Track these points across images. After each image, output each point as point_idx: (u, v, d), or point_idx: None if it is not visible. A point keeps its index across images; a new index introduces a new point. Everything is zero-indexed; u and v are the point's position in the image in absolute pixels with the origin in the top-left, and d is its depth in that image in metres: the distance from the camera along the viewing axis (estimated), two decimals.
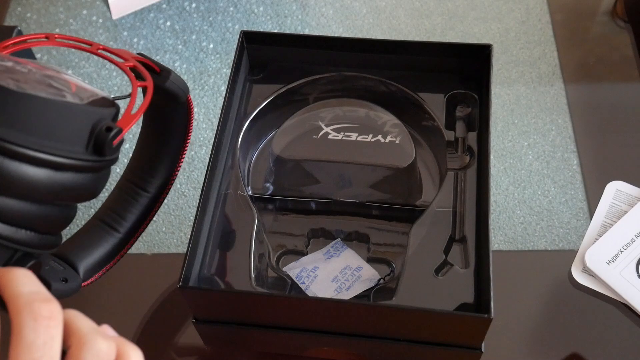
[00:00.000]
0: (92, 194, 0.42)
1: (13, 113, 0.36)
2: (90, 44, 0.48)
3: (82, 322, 0.36)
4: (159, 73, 0.51)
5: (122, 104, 0.43)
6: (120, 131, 0.40)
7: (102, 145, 0.39)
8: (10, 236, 0.38)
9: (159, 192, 0.59)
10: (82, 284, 0.54)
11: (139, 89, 0.46)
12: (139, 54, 0.51)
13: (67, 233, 0.55)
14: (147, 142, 0.59)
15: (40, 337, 0.33)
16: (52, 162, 0.37)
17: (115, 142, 0.40)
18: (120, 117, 0.42)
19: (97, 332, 0.35)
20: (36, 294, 0.34)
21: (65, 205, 0.41)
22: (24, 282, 0.34)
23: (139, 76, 0.47)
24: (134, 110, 0.43)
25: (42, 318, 0.33)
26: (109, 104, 0.41)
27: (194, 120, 0.59)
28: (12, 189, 0.37)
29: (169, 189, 0.60)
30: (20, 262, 0.40)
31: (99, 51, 0.48)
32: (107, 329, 0.38)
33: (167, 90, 0.52)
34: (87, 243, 0.55)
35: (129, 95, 0.44)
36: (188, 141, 0.59)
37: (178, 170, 0.60)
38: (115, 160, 0.42)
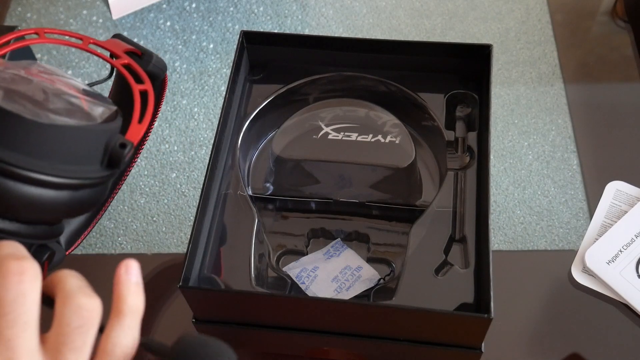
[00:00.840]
0: (97, 204, 0.43)
1: (35, 142, 0.38)
2: (81, 39, 0.49)
3: (68, 279, 0.36)
4: (141, 56, 0.51)
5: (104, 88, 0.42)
6: (132, 145, 0.41)
7: (118, 161, 0.41)
8: (30, 234, 0.41)
9: (130, 158, 0.58)
10: (66, 253, 0.53)
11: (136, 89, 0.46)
12: (116, 35, 0.51)
13: None
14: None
15: (10, 293, 0.34)
16: (72, 185, 0.39)
17: (129, 155, 0.41)
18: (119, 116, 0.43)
19: (80, 289, 0.36)
20: (10, 254, 0.35)
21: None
22: (2, 248, 0.35)
23: (133, 74, 0.47)
24: (135, 107, 0.44)
25: (12, 274, 0.34)
26: (115, 114, 0.42)
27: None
28: (35, 210, 0.39)
29: (138, 155, 0.58)
30: (38, 254, 0.42)
31: (89, 46, 0.48)
32: (131, 267, 0.39)
33: (148, 73, 0.52)
34: None
35: (108, 77, 0.45)
36: (157, 115, 0.57)
37: (146, 140, 0.58)
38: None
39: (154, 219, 0.72)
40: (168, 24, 0.87)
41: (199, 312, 0.57)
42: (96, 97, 0.43)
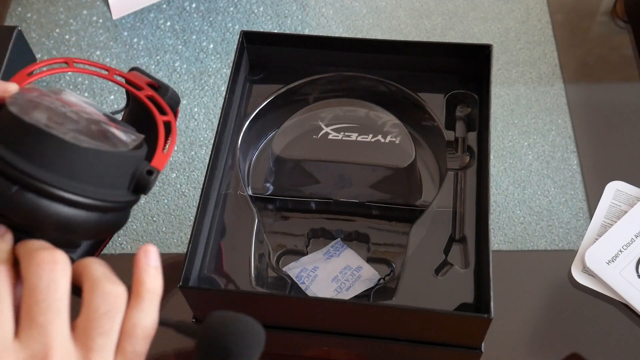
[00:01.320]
0: (120, 227, 0.45)
1: (71, 164, 0.40)
2: (107, 70, 0.51)
3: (94, 267, 0.38)
4: (158, 89, 0.53)
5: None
6: (158, 172, 0.43)
7: (144, 187, 0.43)
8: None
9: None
10: None
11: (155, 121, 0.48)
12: (134, 68, 0.52)
13: None
14: None
15: (43, 281, 0.36)
16: (102, 207, 0.41)
17: (154, 182, 0.43)
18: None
19: (106, 276, 0.38)
20: (41, 246, 0.37)
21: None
22: (34, 242, 0.38)
23: (156, 105, 0.50)
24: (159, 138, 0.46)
25: (45, 263, 0.36)
26: (141, 142, 0.44)
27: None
28: (63, 229, 0.41)
29: None
30: None
31: (115, 77, 0.51)
32: (150, 252, 0.40)
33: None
34: None
35: (126, 107, 0.46)
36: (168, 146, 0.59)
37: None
38: None
39: (154, 219, 0.72)
40: (168, 24, 0.87)
41: (199, 312, 0.57)
42: (122, 124, 0.45)
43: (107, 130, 0.43)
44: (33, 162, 0.39)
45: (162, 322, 0.42)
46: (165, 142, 0.47)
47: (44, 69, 0.47)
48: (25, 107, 0.41)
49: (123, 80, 0.51)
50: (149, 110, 0.49)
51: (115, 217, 0.43)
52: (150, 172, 0.43)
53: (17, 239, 0.40)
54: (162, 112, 0.49)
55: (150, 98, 0.50)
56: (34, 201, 0.39)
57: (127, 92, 0.52)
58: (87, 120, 0.43)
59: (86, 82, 0.83)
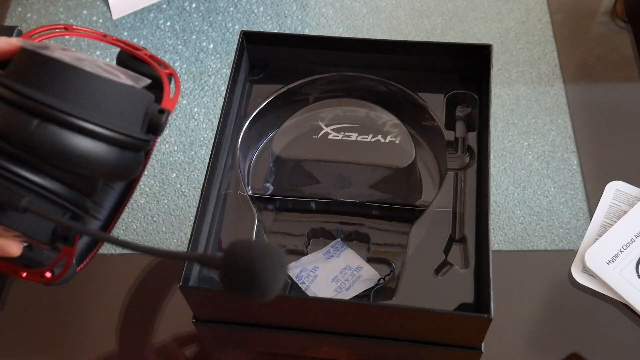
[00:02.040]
0: (135, 172, 0.44)
1: (91, 95, 0.39)
2: (104, 35, 0.52)
3: None
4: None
5: None
6: (168, 113, 0.44)
7: (157, 126, 0.43)
8: (66, 196, 0.41)
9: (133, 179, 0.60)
10: (77, 270, 0.54)
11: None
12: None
13: None
14: None
15: None
16: (120, 141, 0.41)
17: (165, 123, 0.43)
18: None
19: None
20: None
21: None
22: None
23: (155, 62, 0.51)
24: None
25: None
26: (148, 84, 0.44)
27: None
28: (83, 163, 0.40)
29: (147, 161, 0.60)
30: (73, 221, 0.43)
31: (114, 40, 0.52)
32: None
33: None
34: None
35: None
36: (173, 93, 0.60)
37: (150, 156, 0.60)
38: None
39: (154, 219, 0.72)
40: (168, 24, 0.87)
41: (199, 312, 0.57)
42: (127, 71, 0.45)
43: (117, 73, 0.43)
44: (52, 94, 0.38)
45: (190, 257, 0.44)
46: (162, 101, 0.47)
47: (44, 33, 0.48)
48: (39, 47, 0.40)
49: (121, 44, 0.52)
50: (148, 67, 0.49)
51: (131, 156, 0.42)
52: (161, 112, 0.43)
53: (33, 183, 0.39)
54: (163, 67, 0.50)
55: (150, 57, 0.51)
56: (56, 133, 0.38)
57: (121, 56, 0.52)
58: (96, 63, 0.43)
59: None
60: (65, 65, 0.39)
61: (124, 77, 0.43)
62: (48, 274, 0.47)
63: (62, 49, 0.43)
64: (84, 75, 0.39)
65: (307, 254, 0.63)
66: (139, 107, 0.42)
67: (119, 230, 0.71)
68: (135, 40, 0.86)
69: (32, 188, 0.39)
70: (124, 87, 0.41)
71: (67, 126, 0.38)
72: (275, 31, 0.86)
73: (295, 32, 0.86)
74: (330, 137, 0.63)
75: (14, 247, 0.41)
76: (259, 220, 0.61)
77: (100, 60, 0.44)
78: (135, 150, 0.43)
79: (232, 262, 0.36)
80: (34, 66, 0.39)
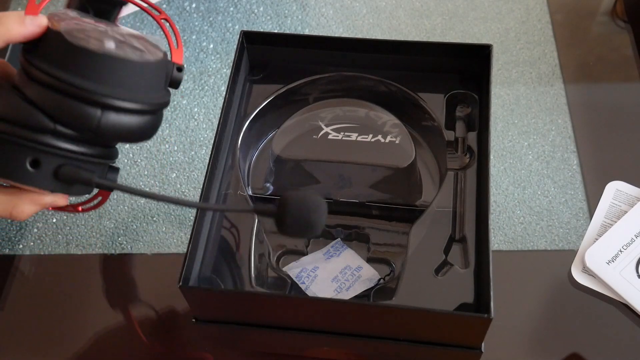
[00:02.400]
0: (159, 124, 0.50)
1: (133, 79, 0.45)
2: None
3: None
4: None
5: None
6: (183, 68, 0.50)
7: (178, 83, 0.49)
8: (105, 155, 0.48)
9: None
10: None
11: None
12: None
13: None
14: None
15: None
16: (156, 110, 0.47)
17: (182, 77, 0.50)
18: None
19: None
20: None
21: None
22: None
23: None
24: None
25: None
26: (160, 48, 0.50)
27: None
28: (134, 137, 0.48)
29: None
30: (112, 173, 0.50)
31: None
32: None
33: None
34: None
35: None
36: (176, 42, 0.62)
37: None
38: None
39: (154, 219, 0.72)
40: (168, 24, 0.87)
41: (199, 312, 0.57)
42: (137, 33, 0.50)
43: (139, 46, 0.47)
44: (103, 83, 0.44)
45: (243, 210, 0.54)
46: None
47: None
48: (72, 32, 0.45)
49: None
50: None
51: (161, 116, 0.49)
52: (179, 69, 0.49)
53: (93, 156, 0.46)
54: (157, 13, 0.54)
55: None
56: (115, 119, 0.45)
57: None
58: (120, 35, 0.47)
59: None
60: (106, 56, 0.44)
61: (148, 48, 0.48)
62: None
63: (91, 22, 0.47)
64: (121, 62, 0.44)
65: (307, 254, 0.63)
66: (164, 74, 0.48)
67: (119, 230, 0.71)
68: None
69: (94, 161, 0.47)
70: (152, 64, 0.47)
71: (124, 111, 0.45)
72: (275, 31, 0.86)
73: (295, 32, 0.86)
74: (330, 137, 0.63)
75: (62, 201, 0.48)
76: (259, 220, 0.61)
77: (122, 29, 0.49)
78: (161, 110, 0.49)
79: (290, 213, 0.45)
80: (83, 59, 0.44)
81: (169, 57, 0.49)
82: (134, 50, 0.46)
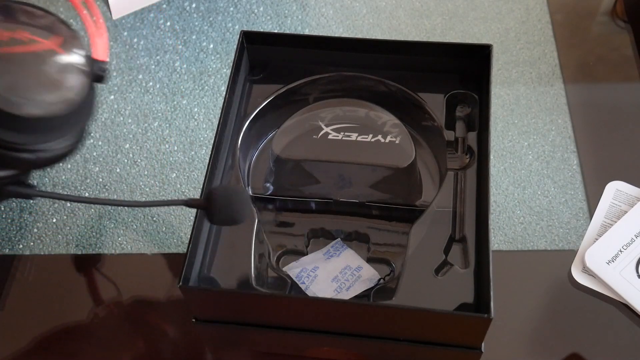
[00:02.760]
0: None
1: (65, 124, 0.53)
2: None
3: None
4: None
5: None
6: (107, 63, 0.54)
7: (102, 79, 0.54)
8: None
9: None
10: None
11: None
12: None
13: None
14: None
15: None
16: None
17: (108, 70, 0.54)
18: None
19: None
20: None
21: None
22: None
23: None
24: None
25: None
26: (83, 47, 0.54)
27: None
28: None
29: None
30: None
31: None
32: None
33: None
34: None
35: None
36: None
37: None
38: None
39: (154, 218, 0.72)
40: (168, 24, 0.87)
41: (199, 312, 0.57)
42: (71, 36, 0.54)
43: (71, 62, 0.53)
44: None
45: (176, 202, 0.57)
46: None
47: None
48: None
49: None
50: None
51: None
52: (102, 69, 0.53)
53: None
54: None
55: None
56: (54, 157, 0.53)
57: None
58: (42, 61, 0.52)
59: None
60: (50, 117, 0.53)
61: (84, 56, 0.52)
62: None
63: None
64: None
65: (307, 254, 0.63)
66: (89, 83, 0.53)
67: (119, 230, 0.71)
68: (135, 40, 0.86)
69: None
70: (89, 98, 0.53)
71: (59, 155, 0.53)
72: (275, 31, 0.86)
73: (295, 32, 0.86)
74: (330, 137, 0.63)
75: None
76: (259, 220, 0.61)
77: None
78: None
79: (217, 207, 0.53)
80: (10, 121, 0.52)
81: (89, 53, 0.53)
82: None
